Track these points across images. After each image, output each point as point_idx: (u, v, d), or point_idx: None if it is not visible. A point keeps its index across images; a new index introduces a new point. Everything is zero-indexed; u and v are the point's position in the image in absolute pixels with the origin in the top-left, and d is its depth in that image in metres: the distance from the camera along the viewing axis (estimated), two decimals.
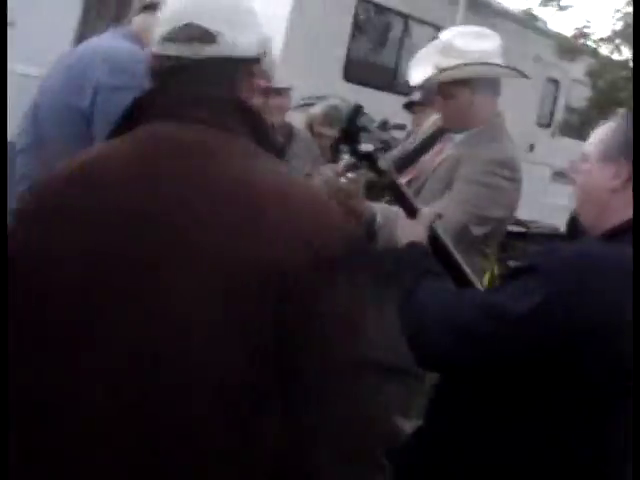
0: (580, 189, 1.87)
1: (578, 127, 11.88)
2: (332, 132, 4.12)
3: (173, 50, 1.30)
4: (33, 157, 2.07)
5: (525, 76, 2.86)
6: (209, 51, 1.30)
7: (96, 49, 2.21)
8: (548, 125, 12.30)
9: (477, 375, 1.71)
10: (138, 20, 2.42)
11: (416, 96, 5.72)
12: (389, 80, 9.23)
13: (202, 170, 1.21)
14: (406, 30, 9.59)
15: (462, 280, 2.03)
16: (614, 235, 1.75)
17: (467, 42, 2.68)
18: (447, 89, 2.69)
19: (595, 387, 1.65)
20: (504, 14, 10.66)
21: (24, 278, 1.18)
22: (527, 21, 11.84)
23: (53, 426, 1.15)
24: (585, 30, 13.46)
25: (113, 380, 1.12)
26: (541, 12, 13.37)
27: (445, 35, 2.81)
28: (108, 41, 2.25)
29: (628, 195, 1.76)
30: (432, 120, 3.06)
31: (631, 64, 11.98)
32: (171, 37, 1.30)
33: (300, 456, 1.14)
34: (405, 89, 8.92)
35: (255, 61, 1.35)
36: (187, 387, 1.11)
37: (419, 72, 2.73)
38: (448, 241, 2.12)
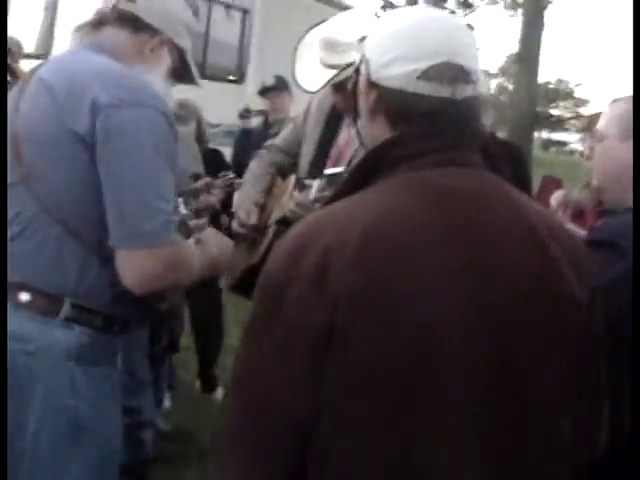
0: (602, 169, 1.90)
1: None
2: None
3: (430, 89, 1.21)
4: (25, 192, 1.78)
5: None
6: (469, 91, 1.24)
7: (85, 67, 1.81)
8: None
9: None
10: (111, 34, 1.95)
11: (269, 82, 5.72)
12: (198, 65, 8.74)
13: (508, 219, 1.22)
14: (211, 14, 9.53)
15: None
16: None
17: (347, 33, 2.67)
18: (343, 82, 2.58)
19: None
20: None
21: None
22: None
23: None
24: None
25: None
26: None
27: (321, 31, 2.79)
28: (92, 58, 1.86)
29: None
30: (312, 105, 3.00)
31: None
32: (429, 75, 1.21)
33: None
34: (215, 73, 9.06)
35: None
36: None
37: (310, 75, 2.75)
38: None
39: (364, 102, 1.30)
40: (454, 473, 1.13)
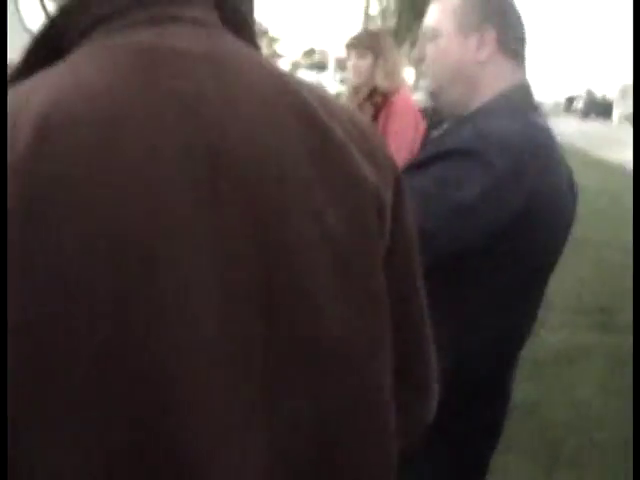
0: (439, 68, 1.72)
1: None
2: None
3: None
4: None
5: None
6: None
7: None
8: None
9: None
10: None
11: None
12: None
13: (266, 91, 0.87)
14: None
15: None
16: (489, 110, 1.65)
17: None
18: None
19: (530, 267, 1.61)
20: None
21: None
22: None
23: None
24: None
25: None
26: None
27: None
28: None
29: (497, 67, 1.68)
30: None
31: None
32: None
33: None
34: None
35: None
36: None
37: None
38: None
39: None
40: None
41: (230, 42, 0.90)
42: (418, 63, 1.79)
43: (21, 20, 2.33)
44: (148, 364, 0.74)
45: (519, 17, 1.71)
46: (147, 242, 0.74)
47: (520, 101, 1.66)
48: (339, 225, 0.85)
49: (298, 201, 0.83)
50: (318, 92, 0.93)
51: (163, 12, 0.87)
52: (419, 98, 4.29)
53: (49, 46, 0.88)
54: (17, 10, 2.32)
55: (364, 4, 30.60)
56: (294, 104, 0.87)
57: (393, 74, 4.01)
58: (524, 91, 1.69)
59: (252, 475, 0.80)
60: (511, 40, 1.68)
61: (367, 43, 4.07)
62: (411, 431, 1.01)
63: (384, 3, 31.79)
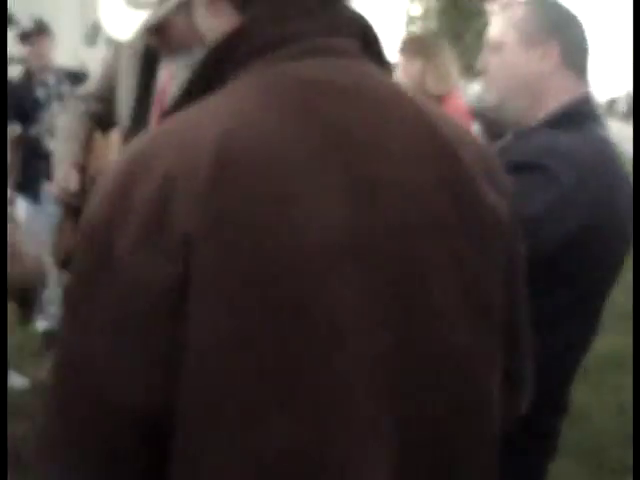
0: (503, 80, 1.74)
1: None
2: None
3: None
4: None
5: None
6: None
7: None
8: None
9: None
10: None
11: (29, 26, 5.32)
12: None
13: (406, 121, 0.94)
14: None
15: None
16: (554, 123, 1.66)
17: None
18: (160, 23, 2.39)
19: (591, 280, 1.63)
20: None
21: None
22: None
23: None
24: None
25: None
26: None
27: None
28: None
29: (561, 79, 1.69)
30: (122, 47, 2.68)
31: None
32: None
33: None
34: None
35: None
36: None
37: (117, 19, 2.44)
38: None
39: None
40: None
41: (375, 73, 0.97)
42: (481, 74, 1.82)
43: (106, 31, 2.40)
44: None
45: (582, 29, 1.72)
46: (315, 266, 0.82)
47: (584, 114, 1.68)
48: (466, 247, 0.92)
49: (431, 224, 0.89)
50: (446, 117, 0.99)
51: (317, 44, 0.93)
52: (469, 100, 4.30)
53: (209, 76, 0.94)
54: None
55: (406, 5, 30.45)
56: (429, 133, 0.94)
57: (444, 78, 4.00)
58: (588, 103, 1.70)
59: None
60: (574, 52, 1.70)
61: (417, 47, 4.06)
62: (504, 424, 1.06)
63: (426, 4, 31.61)
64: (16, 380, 4.26)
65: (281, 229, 0.80)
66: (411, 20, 31.38)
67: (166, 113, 0.96)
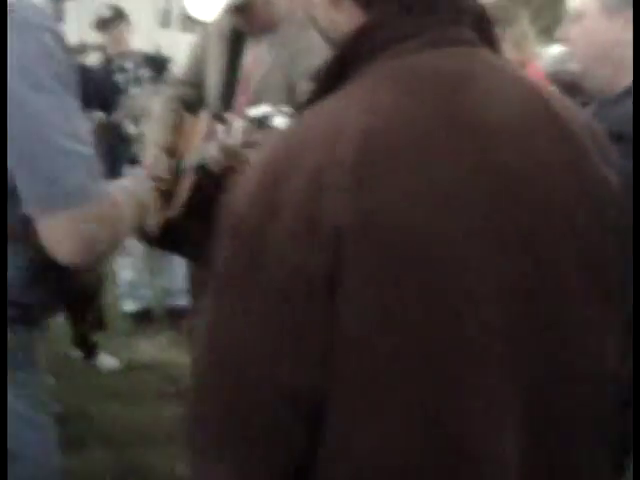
0: (585, 49, 1.73)
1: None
2: None
3: None
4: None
5: None
6: None
7: None
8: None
9: None
10: None
11: (106, 13, 5.26)
12: None
13: (526, 106, 0.98)
14: None
15: None
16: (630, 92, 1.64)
17: None
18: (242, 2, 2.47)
19: None
20: None
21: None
22: None
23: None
24: None
25: None
26: None
27: None
28: None
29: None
30: (209, 30, 2.76)
31: None
32: None
33: None
34: None
35: None
36: None
37: (200, 1, 2.53)
38: None
39: None
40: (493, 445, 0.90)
41: (492, 59, 1.01)
42: (563, 43, 1.81)
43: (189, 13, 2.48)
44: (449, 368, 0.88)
45: None
46: (452, 251, 0.87)
47: None
48: (591, 225, 0.96)
49: (559, 207, 0.94)
50: (560, 98, 1.04)
51: (442, 35, 0.97)
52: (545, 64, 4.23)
53: (338, 71, 0.99)
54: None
55: None
56: (549, 115, 0.97)
57: (522, 45, 3.94)
58: None
59: (512, 472, 0.91)
60: None
61: (493, 13, 4.00)
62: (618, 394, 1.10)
63: None
64: (107, 361, 4.38)
65: (423, 221, 0.86)
66: None
67: (300, 107, 1.01)
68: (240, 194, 0.92)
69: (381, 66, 0.96)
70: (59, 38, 1.38)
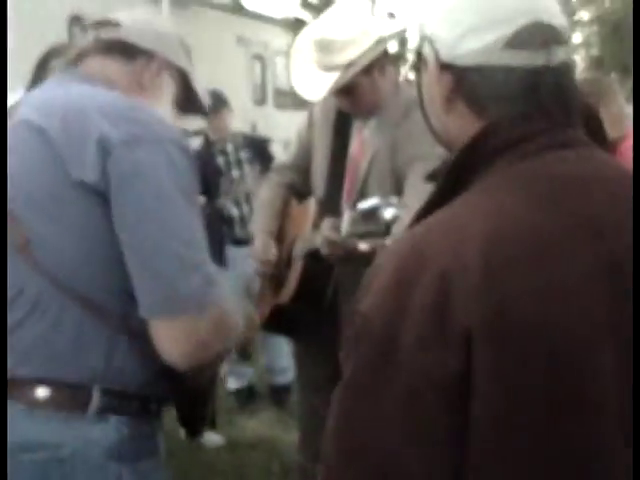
0: None
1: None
2: None
3: (520, 59, 1.02)
4: (25, 263, 1.45)
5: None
6: (563, 54, 1.04)
7: (83, 101, 1.49)
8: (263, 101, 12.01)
9: None
10: (98, 64, 1.62)
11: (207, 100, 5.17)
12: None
13: (618, 206, 1.02)
14: None
15: None
16: None
17: (341, 29, 2.49)
18: (349, 83, 2.51)
19: None
20: (207, 3, 10.97)
21: None
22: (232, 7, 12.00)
23: None
24: None
25: None
26: None
27: (311, 32, 2.62)
28: (87, 90, 1.54)
29: None
30: (314, 114, 2.81)
31: None
32: (516, 42, 1.01)
33: None
34: None
35: None
36: None
37: (308, 82, 2.57)
38: None
39: (435, 90, 1.10)
40: None
41: (601, 157, 1.07)
42: None
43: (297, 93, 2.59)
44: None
45: None
46: (585, 347, 0.92)
47: None
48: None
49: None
50: None
51: (557, 138, 1.02)
52: None
53: (458, 174, 1.05)
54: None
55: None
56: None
57: (618, 122, 3.90)
58: None
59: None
60: None
61: (587, 89, 3.98)
62: None
63: (586, 31, 30.75)
64: (212, 438, 4.44)
65: (551, 319, 0.91)
66: (573, 49, 30.52)
67: (422, 212, 1.07)
68: (370, 298, 0.97)
69: (500, 170, 1.01)
70: (185, 150, 1.49)
